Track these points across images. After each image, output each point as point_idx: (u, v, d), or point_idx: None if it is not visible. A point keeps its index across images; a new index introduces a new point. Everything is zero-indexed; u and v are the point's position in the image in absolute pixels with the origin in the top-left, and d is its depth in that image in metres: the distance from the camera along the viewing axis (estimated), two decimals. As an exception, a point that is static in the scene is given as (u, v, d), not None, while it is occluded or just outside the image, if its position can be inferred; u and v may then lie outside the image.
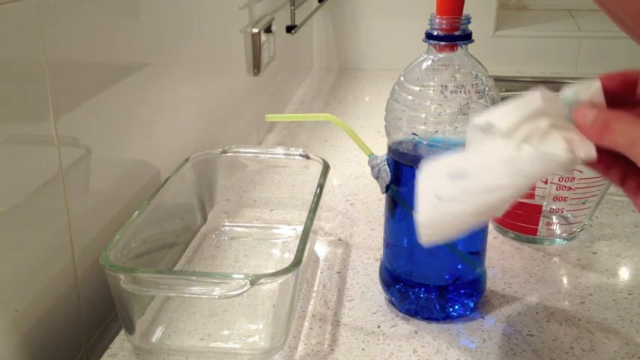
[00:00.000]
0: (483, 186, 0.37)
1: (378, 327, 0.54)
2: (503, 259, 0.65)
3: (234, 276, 0.47)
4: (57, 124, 0.49)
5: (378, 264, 0.61)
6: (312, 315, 0.56)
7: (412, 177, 0.52)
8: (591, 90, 0.38)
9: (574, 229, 0.67)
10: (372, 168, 0.55)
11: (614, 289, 0.59)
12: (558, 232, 0.67)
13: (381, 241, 0.59)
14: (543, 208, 0.66)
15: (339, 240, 0.69)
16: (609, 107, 0.39)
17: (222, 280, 0.47)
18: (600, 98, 0.38)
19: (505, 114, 0.38)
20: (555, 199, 0.65)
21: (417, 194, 0.39)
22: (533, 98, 0.38)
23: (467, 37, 0.49)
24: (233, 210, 0.74)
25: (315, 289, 0.60)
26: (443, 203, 0.38)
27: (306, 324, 0.55)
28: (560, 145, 0.36)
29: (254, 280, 0.46)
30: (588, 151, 0.37)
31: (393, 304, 0.57)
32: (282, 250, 0.67)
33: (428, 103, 0.49)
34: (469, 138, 0.41)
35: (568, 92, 0.39)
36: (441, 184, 0.38)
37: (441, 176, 0.39)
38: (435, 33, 0.49)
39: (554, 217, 0.67)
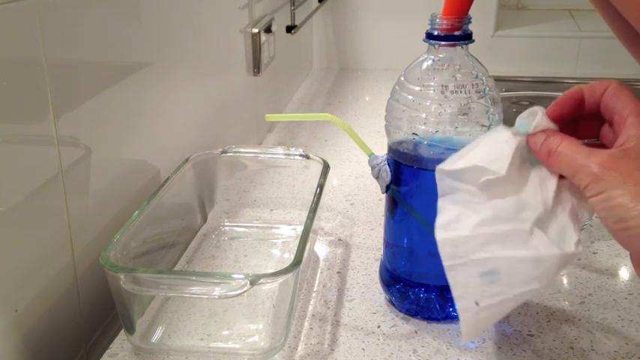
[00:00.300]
0: (517, 293, 0.41)
1: (378, 327, 0.54)
2: (503, 259, 0.65)
3: (234, 276, 0.47)
4: (57, 124, 0.49)
5: (378, 264, 0.61)
6: (312, 315, 0.56)
7: (412, 177, 0.52)
8: (536, 119, 0.41)
9: (574, 229, 0.67)
10: (373, 168, 0.55)
11: (614, 289, 0.59)
12: (558, 232, 0.67)
13: (381, 241, 0.59)
14: (543, 208, 0.66)
15: (339, 240, 0.69)
16: (571, 128, 0.43)
17: (222, 280, 0.47)
18: (548, 124, 0.41)
19: (493, 157, 0.41)
20: (555, 199, 0.65)
21: (455, 299, 0.42)
22: (507, 137, 0.42)
23: (467, 37, 0.49)
24: (233, 210, 0.74)
25: (315, 289, 0.60)
26: (482, 310, 0.42)
27: (306, 324, 0.55)
28: (574, 238, 0.40)
29: (254, 280, 0.46)
30: (587, 215, 0.42)
31: (393, 304, 0.57)
32: (282, 250, 0.67)
33: (428, 103, 0.49)
34: (443, 187, 0.44)
35: (519, 124, 0.42)
36: (474, 285, 0.41)
37: (473, 275, 0.42)
38: (436, 33, 0.49)
39: (554, 217, 0.67)
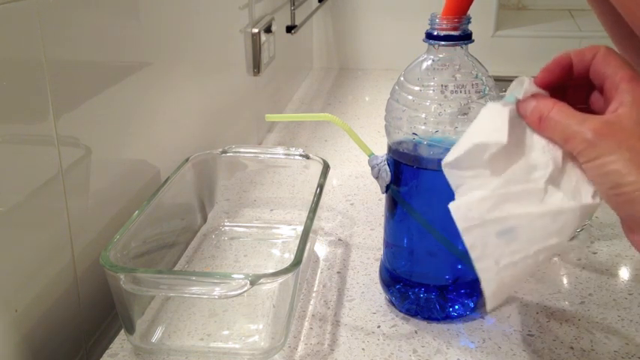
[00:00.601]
0: (536, 249, 0.40)
1: (378, 327, 0.54)
2: (503, 259, 0.65)
3: (234, 276, 0.47)
4: (57, 124, 0.49)
5: (378, 264, 0.61)
6: (312, 315, 0.56)
7: (412, 177, 0.52)
8: (524, 86, 0.41)
9: (574, 229, 0.67)
10: (372, 168, 0.55)
11: (614, 289, 0.59)
12: (558, 232, 0.67)
13: (381, 241, 0.59)
14: (543, 208, 0.66)
15: (339, 240, 0.69)
16: (560, 94, 0.41)
17: (222, 280, 0.47)
18: (537, 90, 0.41)
19: (490, 130, 0.40)
20: (555, 199, 0.65)
21: (474, 261, 0.41)
22: (497, 109, 0.41)
23: (467, 37, 0.49)
24: (233, 210, 0.74)
25: (315, 289, 0.60)
26: (503, 269, 0.41)
27: (306, 324, 0.55)
28: (589, 190, 0.39)
29: (254, 280, 0.46)
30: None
31: (393, 304, 0.57)
32: (282, 250, 0.67)
33: (428, 103, 0.49)
34: (454, 180, 0.43)
35: (508, 95, 0.42)
36: (492, 245, 0.40)
37: (489, 234, 0.41)
38: (435, 33, 0.49)
39: (554, 217, 0.67)
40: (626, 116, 0.37)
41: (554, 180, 0.40)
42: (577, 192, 0.39)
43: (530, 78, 0.41)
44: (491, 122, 0.41)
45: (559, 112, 0.39)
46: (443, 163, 0.43)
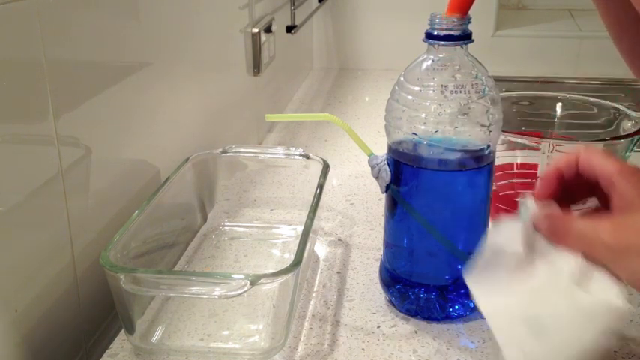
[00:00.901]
0: (568, 354, 0.39)
1: (378, 327, 0.54)
2: (503, 259, 0.65)
3: (234, 276, 0.47)
4: (57, 124, 0.49)
5: (378, 264, 0.61)
6: (312, 315, 0.56)
7: (412, 177, 0.52)
8: (529, 210, 0.42)
9: (574, 229, 0.67)
10: (372, 168, 0.55)
11: (614, 289, 0.59)
12: (558, 232, 0.67)
13: (381, 241, 0.59)
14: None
15: (339, 240, 0.69)
16: (567, 194, 0.43)
17: (222, 280, 0.47)
18: (541, 206, 0.42)
19: (508, 241, 0.42)
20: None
21: (500, 342, 0.42)
22: (513, 226, 0.42)
23: (467, 37, 0.49)
24: (233, 210, 0.74)
25: (315, 289, 0.60)
26: (529, 355, 0.40)
27: (306, 324, 0.55)
28: (616, 292, 0.38)
29: (254, 280, 0.46)
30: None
31: (393, 304, 0.57)
32: (282, 250, 0.67)
33: (428, 103, 0.49)
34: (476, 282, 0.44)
35: (521, 214, 0.42)
36: (522, 333, 0.40)
37: (518, 323, 0.41)
38: (435, 33, 0.49)
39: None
40: (634, 208, 0.38)
41: (581, 284, 0.39)
42: (602, 289, 0.39)
43: (531, 200, 0.42)
44: (508, 237, 0.42)
45: (570, 224, 0.39)
46: (466, 276, 0.44)
